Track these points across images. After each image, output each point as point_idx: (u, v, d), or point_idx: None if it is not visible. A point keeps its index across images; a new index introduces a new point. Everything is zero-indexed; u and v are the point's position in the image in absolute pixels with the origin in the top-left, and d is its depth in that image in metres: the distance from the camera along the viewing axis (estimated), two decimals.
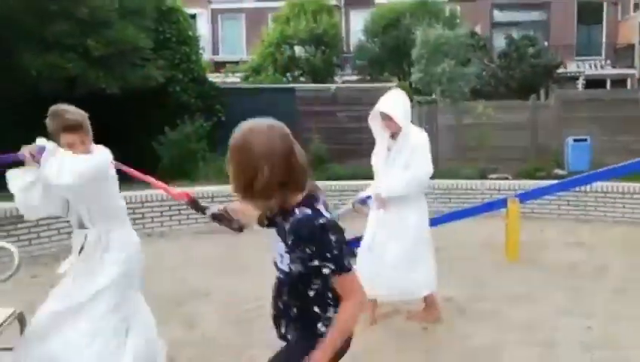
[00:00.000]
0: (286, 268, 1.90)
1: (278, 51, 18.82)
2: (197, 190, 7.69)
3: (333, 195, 8.18)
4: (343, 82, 19.93)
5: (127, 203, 6.81)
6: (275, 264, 1.97)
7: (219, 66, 20.05)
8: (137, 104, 12.98)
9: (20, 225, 5.83)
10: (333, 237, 1.78)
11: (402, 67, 19.32)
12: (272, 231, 1.94)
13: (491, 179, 11.98)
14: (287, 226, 1.84)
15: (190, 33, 14.02)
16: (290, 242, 1.82)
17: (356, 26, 24.99)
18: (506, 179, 11.57)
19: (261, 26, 28.34)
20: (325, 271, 1.80)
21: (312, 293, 1.89)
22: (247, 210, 2.17)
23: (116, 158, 3.00)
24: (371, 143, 4.32)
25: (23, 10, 10.46)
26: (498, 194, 8.12)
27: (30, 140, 2.84)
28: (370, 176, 4.55)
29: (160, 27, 12.98)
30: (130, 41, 11.30)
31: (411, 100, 14.72)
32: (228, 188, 7.83)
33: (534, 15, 25.84)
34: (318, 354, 1.82)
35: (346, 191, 8.34)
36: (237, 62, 21.94)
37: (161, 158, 12.93)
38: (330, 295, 1.88)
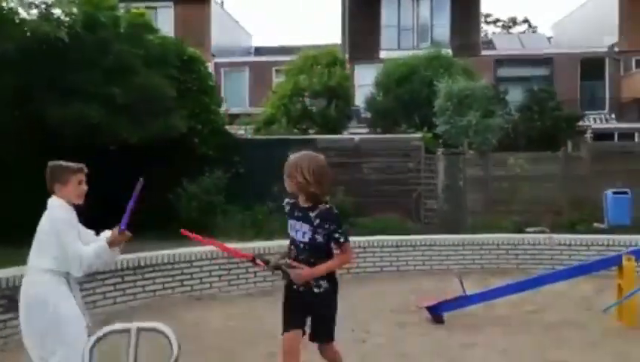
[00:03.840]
0: (307, 239, 3.13)
1: (292, 103, 18.50)
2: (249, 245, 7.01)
3: (371, 251, 7.49)
4: (350, 134, 19.62)
5: (173, 262, 6.19)
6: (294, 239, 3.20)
7: (232, 118, 19.71)
8: (157, 155, 12.42)
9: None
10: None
11: (413, 119, 19.11)
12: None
13: (529, 232, 11.47)
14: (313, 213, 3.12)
15: (210, 83, 13.63)
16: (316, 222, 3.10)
17: (360, 79, 25.01)
18: (543, 232, 11.06)
19: (265, 79, 28.33)
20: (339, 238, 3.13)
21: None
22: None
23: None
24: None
25: (43, 58, 9.99)
26: (541, 249, 7.57)
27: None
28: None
29: (181, 76, 12.56)
30: (156, 88, 10.84)
31: (433, 153, 14.28)
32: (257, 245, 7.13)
33: (538, 70, 26.09)
34: (309, 271, 3.07)
35: (385, 248, 7.64)
36: (239, 115, 21.72)
37: (179, 211, 12.25)
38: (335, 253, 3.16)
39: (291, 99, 18.67)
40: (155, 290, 5.92)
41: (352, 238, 8.03)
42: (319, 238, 3.07)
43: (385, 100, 19.70)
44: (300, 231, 3.12)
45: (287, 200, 3.29)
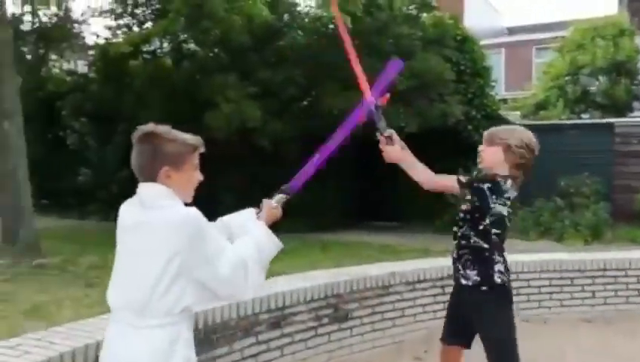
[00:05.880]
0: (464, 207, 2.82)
1: (567, 83, 16.23)
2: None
3: None
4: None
5: None
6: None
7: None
8: (427, 144, 11.65)
9: (385, 299, 4.46)
10: None
11: None
12: None
13: None
14: None
15: (485, 65, 12.38)
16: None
17: None
18: None
19: (522, 60, 25.92)
20: None
21: None
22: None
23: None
24: None
25: (328, 47, 9.87)
26: None
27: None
28: None
29: (455, 58, 11.55)
30: (434, 72, 10.00)
31: None
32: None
33: None
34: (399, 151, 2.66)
35: None
36: (505, 101, 19.93)
37: (449, 206, 11.34)
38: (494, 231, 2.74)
39: (566, 80, 16.39)
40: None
41: None
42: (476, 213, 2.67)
43: None
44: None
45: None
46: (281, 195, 2.11)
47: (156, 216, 1.75)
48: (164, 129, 1.86)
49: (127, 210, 1.86)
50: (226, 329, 3.38)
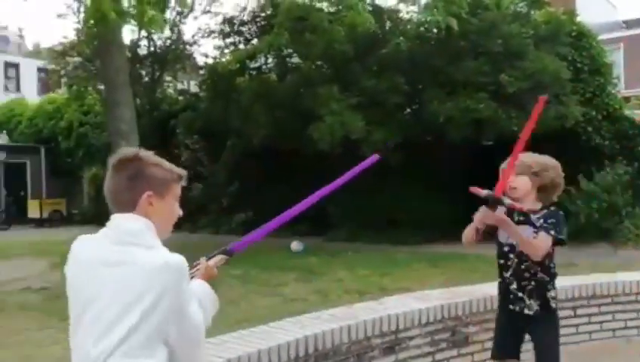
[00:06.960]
0: None
1: None
2: None
3: None
4: None
5: (637, 292, 4.62)
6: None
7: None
8: (543, 149, 10.90)
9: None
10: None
11: None
12: None
13: None
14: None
15: (605, 61, 11.41)
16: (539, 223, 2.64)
17: None
18: None
19: None
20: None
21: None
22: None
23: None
24: None
25: (432, 52, 9.54)
26: None
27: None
28: None
29: (571, 55, 10.73)
30: (548, 72, 9.32)
31: None
32: None
33: None
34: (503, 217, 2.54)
35: None
36: (628, 99, 18.31)
37: (571, 214, 10.49)
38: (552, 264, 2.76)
39: None
40: (614, 329, 4.46)
41: None
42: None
43: None
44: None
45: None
46: (221, 256, 1.86)
47: (137, 257, 1.48)
48: (147, 153, 1.63)
49: (90, 247, 1.57)
50: (338, 354, 3.20)
